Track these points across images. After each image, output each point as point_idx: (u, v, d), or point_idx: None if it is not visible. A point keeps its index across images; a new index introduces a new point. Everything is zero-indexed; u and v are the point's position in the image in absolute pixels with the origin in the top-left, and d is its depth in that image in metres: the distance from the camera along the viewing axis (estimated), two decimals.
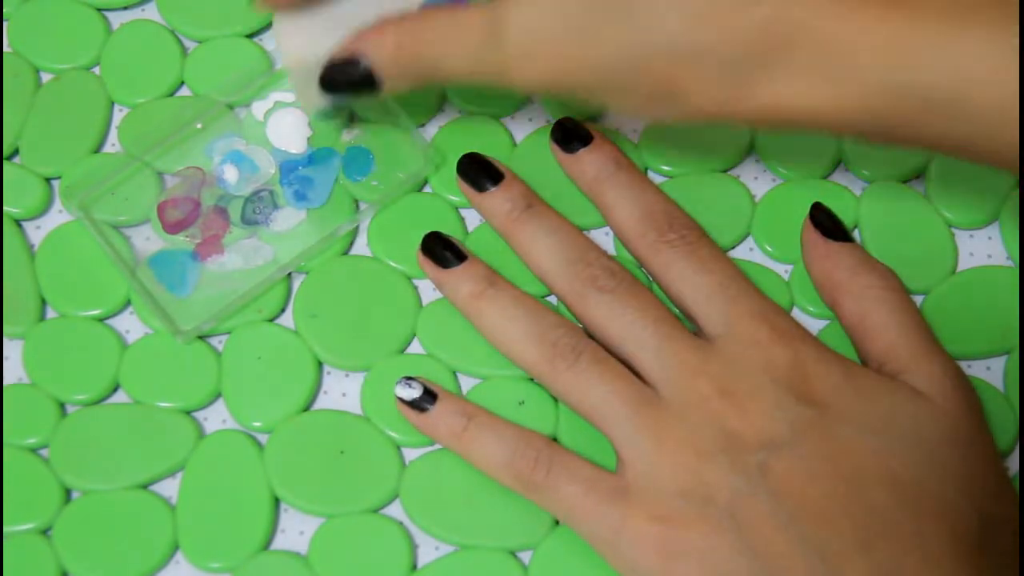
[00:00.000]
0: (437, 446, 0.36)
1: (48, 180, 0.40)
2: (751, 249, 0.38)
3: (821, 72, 0.28)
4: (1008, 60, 0.26)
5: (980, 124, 0.27)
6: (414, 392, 0.35)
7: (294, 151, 0.39)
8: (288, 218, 0.38)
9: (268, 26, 0.42)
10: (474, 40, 0.31)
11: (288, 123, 0.40)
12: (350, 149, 0.39)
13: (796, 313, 0.37)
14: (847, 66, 0.27)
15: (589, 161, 0.37)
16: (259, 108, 0.40)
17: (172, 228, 0.38)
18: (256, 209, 0.38)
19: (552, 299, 0.37)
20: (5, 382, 0.37)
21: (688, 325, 0.35)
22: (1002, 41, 0.26)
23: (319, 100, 0.35)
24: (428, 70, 0.33)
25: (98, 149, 0.40)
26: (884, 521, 0.29)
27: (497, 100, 0.40)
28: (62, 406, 0.37)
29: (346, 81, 0.34)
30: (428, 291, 0.38)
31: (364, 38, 0.33)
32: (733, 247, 0.38)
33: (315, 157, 0.39)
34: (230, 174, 0.39)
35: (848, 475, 0.30)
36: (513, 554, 0.34)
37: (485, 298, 0.35)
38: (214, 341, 0.37)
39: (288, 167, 0.39)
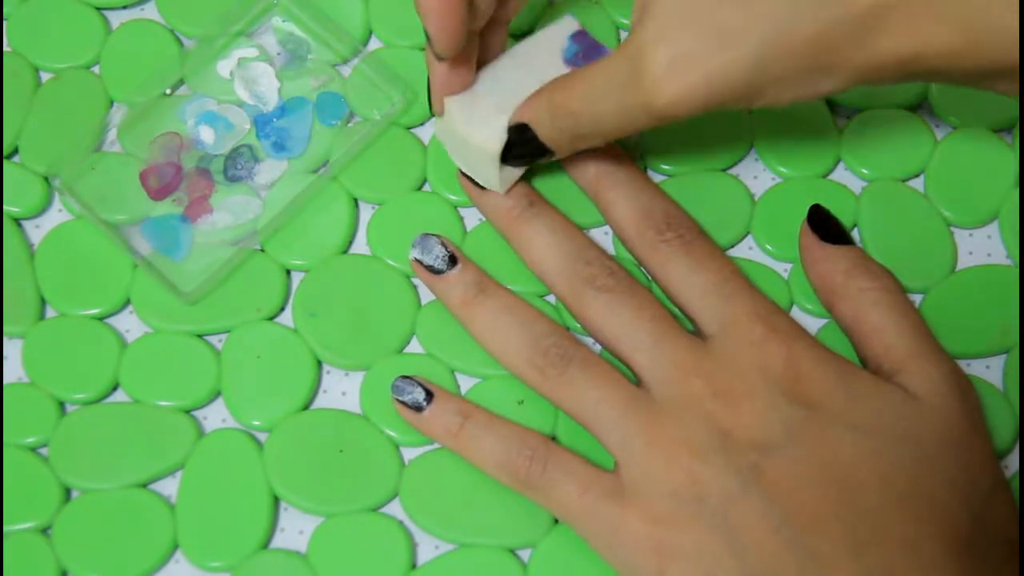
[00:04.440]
0: (436, 445, 0.36)
1: (48, 179, 0.40)
2: (751, 248, 0.38)
3: (937, 14, 0.27)
4: None
5: None
6: (410, 391, 0.35)
7: (265, 104, 0.40)
8: (271, 169, 0.39)
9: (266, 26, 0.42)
10: (617, 80, 0.30)
11: (255, 77, 0.40)
12: (321, 95, 0.40)
13: (795, 312, 0.37)
14: (961, 8, 0.27)
15: (590, 159, 0.37)
16: (224, 66, 0.40)
17: (157, 194, 0.38)
18: (238, 165, 0.39)
19: (551, 298, 0.37)
20: (5, 381, 0.37)
21: (688, 325, 0.35)
22: None
23: (510, 174, 0.36)
24: (585, 126, 0.32)
25: (98, 148, 0.40)
26: (875, 524, 0.29)
27: None
28: (62, 405, 0.37)
29: (524, 154, 0.34)
30: (427, 290, 0.38)
31: (524, 108, 0.34)
32: (733, 246, 0.38)
33: (287, 107, 0.40)
34: (206, 134, 0.39)
35: (840, 477, 0.30)
36: (512, 553, 0.34)
37: (476, 305, 0.35)
38: (213, 340, 0.37)
39: (262, 120, 0.40)
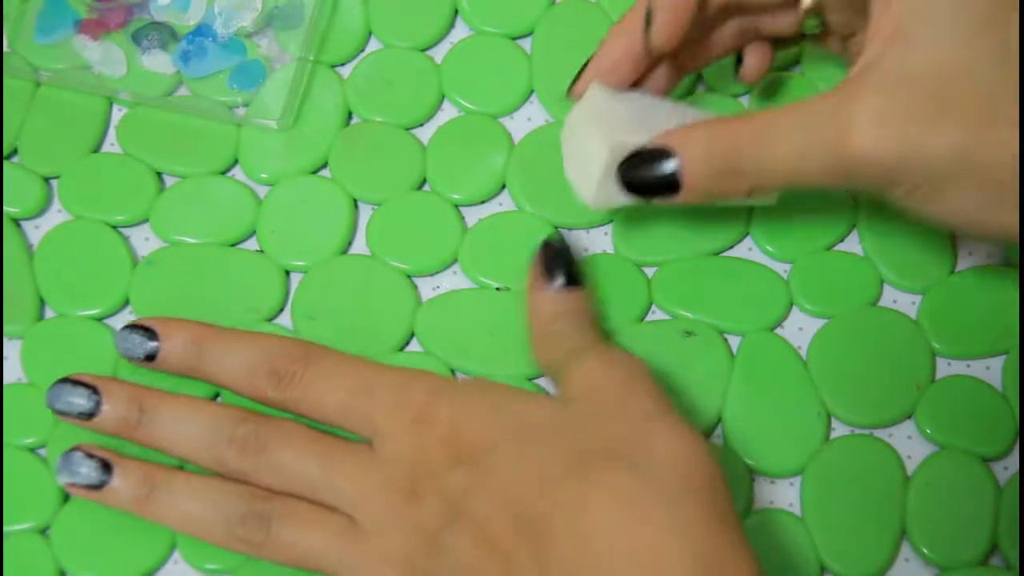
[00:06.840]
0: None
1: (47, 180, 0.40)
2: (750, 249, 0.38)
3: None
4: None
5: None
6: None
7: (226, 26, 0.40)
8: (158, 61, 0.40)
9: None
10: (810, 116, 0.30)
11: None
12: (254, 60, 0.40)
13: (795, 312, 0.37)
14: None
15: (169, 349, 0.34)
16: None
17: (90, 27, 0.40)
18: (148, 35, 0.39)
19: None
20: (5, 381, 0.37)
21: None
22: None
23: (611, 196, 0.33)
24: (747, 163, 0.31)
25: (97, 149, 0.40)
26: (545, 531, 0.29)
27: (496, 99, 0.40)
28: None
29: (651, 177, 0.32)
30: (427, 289, 0.38)
31: (676, 133, 0.32)
32: (732, 246, 0.38)
33: (230, 42, 0.40)
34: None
35: (517, 513, 0.29)
36: None
37: (153, 503, 0.33)
38: None
39: (204, 29, 0.40)
